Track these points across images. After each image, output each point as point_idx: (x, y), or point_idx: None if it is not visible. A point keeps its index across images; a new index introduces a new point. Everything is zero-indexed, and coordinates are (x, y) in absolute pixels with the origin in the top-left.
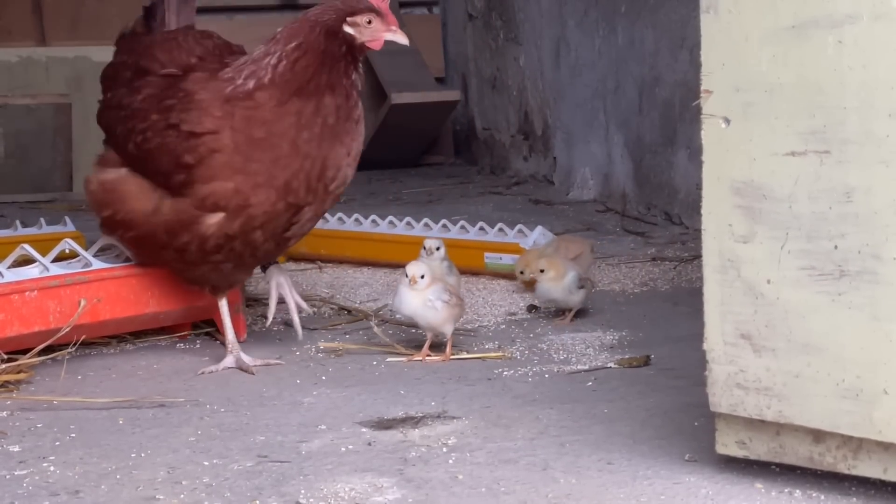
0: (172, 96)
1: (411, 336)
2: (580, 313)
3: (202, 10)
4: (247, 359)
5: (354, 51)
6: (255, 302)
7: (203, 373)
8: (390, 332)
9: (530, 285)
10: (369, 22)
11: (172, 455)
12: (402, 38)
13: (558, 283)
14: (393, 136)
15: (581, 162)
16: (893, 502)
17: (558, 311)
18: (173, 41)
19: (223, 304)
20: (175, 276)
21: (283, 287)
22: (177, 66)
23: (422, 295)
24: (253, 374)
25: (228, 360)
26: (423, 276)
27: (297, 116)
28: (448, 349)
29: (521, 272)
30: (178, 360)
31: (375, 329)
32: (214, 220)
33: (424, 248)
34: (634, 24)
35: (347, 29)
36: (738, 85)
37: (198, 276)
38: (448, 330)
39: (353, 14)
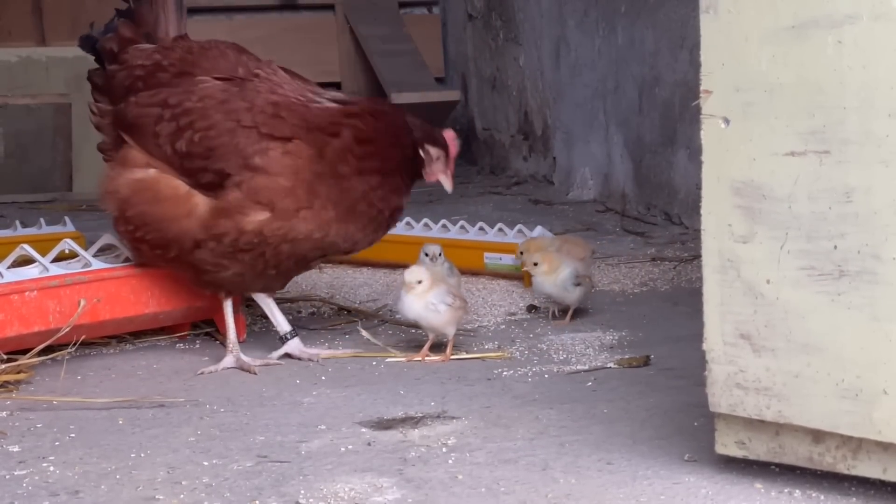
0: (237, 98)
1: (411, 336)
2: (580, 313)
3: (202, 10)
4: (247, 359)
5: (415, 164)
6: (255, 303)
7: (203, 373)
8: (390, 331)
9: (526, 271)
10: (437, 158)
11: (172, 455)
12: (449, 186)
13: (551, 277)
14: None
15: (581, 162)
16: (892, 502)
17: (558, 311)
18: (216, 49)
19: (227, 305)
20: (192, 278)
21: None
22: (222, 74)
23: (424, 298)
24: (255, 373)
25: (228, 360)
26: (420, 282)
27: (368, 186)
28: (448, 349)
29: (521, 252)
30: (177, 360)
31: (364, 333)
32: (259, 217)
33: (427, 254)
34: (634, 23)
35: (421, 151)
36: (738, 85)
37: (218, 279)
38: (450, 331)
39: (433, 144)
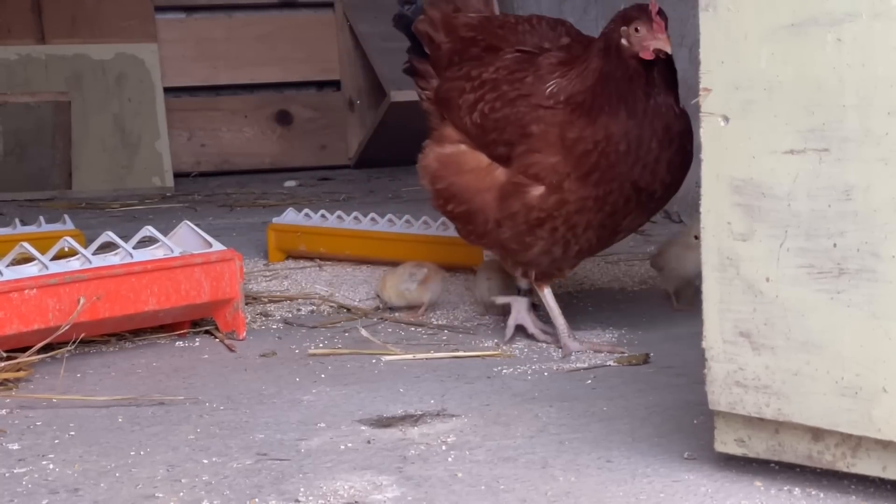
0: (525, 69)
1: (410, 335)
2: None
3: (201, 9)
4: (575, 345)
5: (633, 63)
6: (255, 300)
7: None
8: (389, 329)
9: None
10: (637, 30)
11: (172, 453)
12: (666, 46)
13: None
14: (392, 134)
15: None
16: (892, 500)
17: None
18: (527, 24)
19: (547, 292)
20: (505, 257)
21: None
22: (528, 47)
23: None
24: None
25: (574, 345)
26: None
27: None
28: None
29: None
30: (177, 358)
31: (364, 332)
32: (537, 192)
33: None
34: None
35: (623, 42)
36: (737, 83)
37: (530, 258)
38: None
39: (628, 23)
